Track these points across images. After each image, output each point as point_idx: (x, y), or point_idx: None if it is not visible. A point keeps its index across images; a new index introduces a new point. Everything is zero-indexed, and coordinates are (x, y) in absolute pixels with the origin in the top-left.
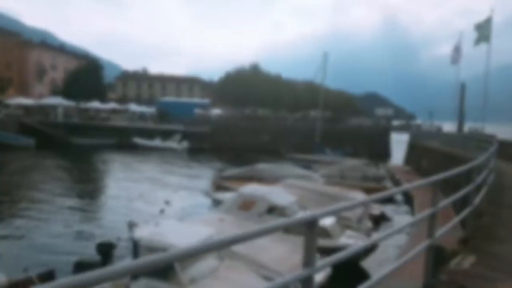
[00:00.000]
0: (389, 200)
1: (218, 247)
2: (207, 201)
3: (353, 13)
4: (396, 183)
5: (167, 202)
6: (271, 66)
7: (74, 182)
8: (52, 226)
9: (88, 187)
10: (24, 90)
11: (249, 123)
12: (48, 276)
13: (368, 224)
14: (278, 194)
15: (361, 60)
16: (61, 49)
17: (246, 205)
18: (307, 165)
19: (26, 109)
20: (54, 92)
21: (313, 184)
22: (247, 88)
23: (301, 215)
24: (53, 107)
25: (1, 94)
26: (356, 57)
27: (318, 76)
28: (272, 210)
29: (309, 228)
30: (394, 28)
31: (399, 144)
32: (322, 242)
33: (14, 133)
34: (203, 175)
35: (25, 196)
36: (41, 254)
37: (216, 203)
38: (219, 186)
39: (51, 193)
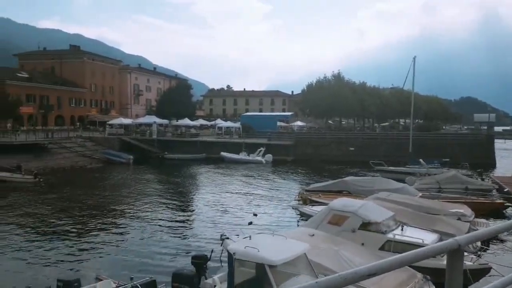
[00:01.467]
0: (498, 214)
1: (355, 279)
2: (293, 214)
3: (444, 13)
4: (508, 196)
5: (255, 215)
6: (355, 74)
7: (168, 194)
8: (150, 235)
9: (180, 199)
10: (123, 111)
11: (333, 134)
12: (151, 285)
13: (477, 242)
14: (372, 209)
15: (454, 63)
16: (154, 72)
17: (336, 219)
18: (400, 177)
19: (125, 127)
20: (149, 111)
21: (408, 198)
22: (330, 98)
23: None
24: (148, 125)
25: (106, 115)
26: (448, 60)
27: (406, 82)
28: (366, 226)
29: (452, 255)
30: (493, 26)
31: (504, 152)
32: (426, 262)
33: (116, 150)
34: (288, 188)
35: (125, 207)
36: (140, 263)
37: (304, 216)
38: (305, 199)
39: (148, 204)
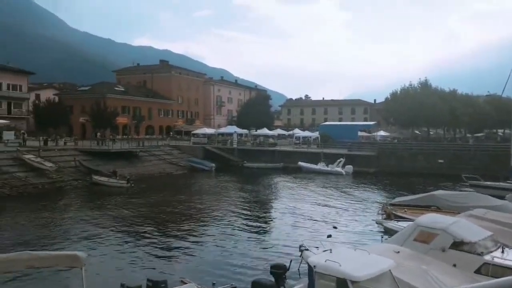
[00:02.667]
0: None
1: None
2: (376, 229)
3: None
4: None
5: (334, 227)
6: (444, 81)
7: (247, 202)
8: (230, 242)
9: (259, 207)
10: (207, 121)
11: (420, 145)
12: None
13: None
14: (465, 227)
15: None
16: (235, 84)
17: (424, 237)
18: (498, 193)
19: (208, 137)
20: (230, 121)
21: (510, 217)
22: (416, 107)
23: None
24: (229, 135)
25: (191, 125)
26: None
27: (506, 89)
28: (458, 245)
29: None
30: None
31: None
32: None
33: (200, 158)
34: (370, 201)
35: (207, 212)
36: (220, 268)
37: (388, 232)
38: (389, 214)
39: (229, 211)
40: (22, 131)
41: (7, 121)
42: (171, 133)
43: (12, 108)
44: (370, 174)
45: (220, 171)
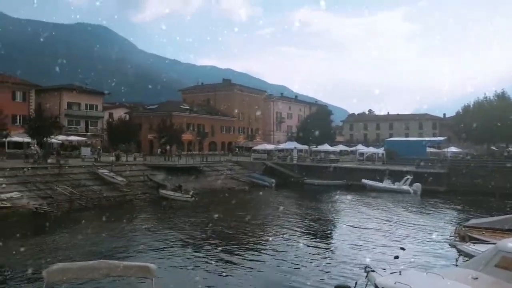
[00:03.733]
0: None
1: None
2: (447, 251)
3: None
4: None
5: (402, 249)
6: None
7: (308, 219)
8: (292, 259)
9: (320, 224)
10: (267, 137)
11: (497, 162)
12: None
13: None
14: None
15: None
16: (295, 100)
17: (507, 263)
18: None
19: (268, 153)
20: (290, 137)
21: None
22: (492, 121)
23: None
24: (289, 151)
25: (251, 141)
26: None
27: None
28: None
29: None
30: None
31: None
32: None
33: (260, 174)
34: (440, 221)
35: (268, 228)
36: (283, 286)
37: (463, 256)
38: (464, 236)
39: (290, 228)
40: (98, 147)
41: (85, 138)
42: (237, 149)
43: (89, 126)
44: (441, 193)
45: (280, 187)
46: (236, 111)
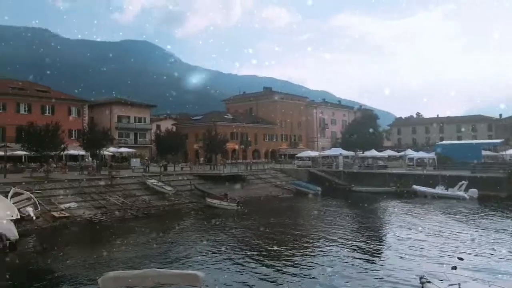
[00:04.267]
0: None
1: None
2: (510, 262)
3: None
4: None
5: (460, 259)
6: None
7: (356, 228)
8: (341, 269)
9: (369, 233)
10: (310, 144)
11: None
12: None
13: None
14: None
15: None
16: (339, 105)
17: None
18: None
19: (313, 160)
20: (334, 143)
21: None
22: None
23: None
24: (334, 157)
25: (295, 148)
26: None
27: None
28: None
29: None
30: None
31: None
32: None
33: (305, 181)
34: (501, 230)
35: (314, 236)
36: None
37: None
38: None
39: (337, 236)
40: (146, 158)
41: (134, 150)
42: (283, 156)
43: (138, 138)
44: (501, 198)
45: (326, 195)
46: (278, 118)
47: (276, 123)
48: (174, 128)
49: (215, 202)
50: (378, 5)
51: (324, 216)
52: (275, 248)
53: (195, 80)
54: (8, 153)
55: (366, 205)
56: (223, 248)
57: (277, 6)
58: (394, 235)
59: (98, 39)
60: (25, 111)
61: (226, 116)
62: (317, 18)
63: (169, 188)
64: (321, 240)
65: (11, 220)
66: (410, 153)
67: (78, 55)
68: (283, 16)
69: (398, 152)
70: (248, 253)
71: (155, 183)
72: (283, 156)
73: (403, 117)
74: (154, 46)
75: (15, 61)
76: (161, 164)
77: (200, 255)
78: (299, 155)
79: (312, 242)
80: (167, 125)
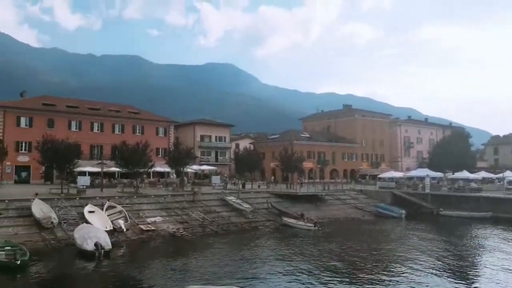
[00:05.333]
0: None
1: None
2: None
3: None
4: None
5: None
6: None
7: (445, 257)
8: None
9: (461, 264)
10: (393, 164)
11: None
12: None
13: None
14: None
15: None
16: (425, 123)
17: None
18: None
19: (396, 181)
20: (421, 164)
21: None
22: None
23: None
24: (420, 179)
25: (376, 169)
26: None
27: None
28: None
29: None
30: None
31: None
32: None
33: (388, 204)
34: None
35: (397, 264)
36: None
37: None
38: None
39: (423, 266)
40: (225, 175)
41: (215, 168)
42: (368, 177)
43: (218, 156)
44: None
45: (411, 219)
46: (358, 137)
47: (356, 142)
48: (252, 147)
49: (292, 221)
50: (472, 15)
51: (410, 242)
52: (353, 273)
53: (272, 99)
54: (104, 169)
55: (456, 231)
56: (299, 269)
57: (358, 22)
58: (492, 267)
59: (184, 63)
60: (119, 131)
61: (302, 135)
62: (402, 32)
63: (247, 206)
64: (404, 269)
65: (106, 231)
66: (510, 175)
67: (166, 78)
68: (364, 31)
69: (495, 174)
70: (326, 276)
71: (234, 200)
72: (367, 177)
73: (501, 135)
74: (235, 68)
75: (113, 86)
76: (239, 182)
77: (276, 274)
78: (381, 175)
79: (395, 271)
80: (245, 143)
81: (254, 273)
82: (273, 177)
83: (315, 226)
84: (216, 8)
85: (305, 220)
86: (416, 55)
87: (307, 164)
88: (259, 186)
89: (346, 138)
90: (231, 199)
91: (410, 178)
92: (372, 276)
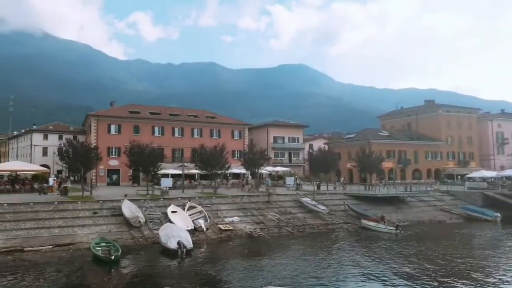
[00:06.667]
0: None
1: None
2: None
3: None
4: None
5: None
6: None
7: None
8: None
9: None
10: (484, 162)
11: None
12: None
13: None
14: None
15: None
16: None
17: None
18: None
19: (488, 181)
20: None
21: None
22: None
23: None
24: None
25: (464, 168)
26: None
27: None
28: None
29: None
30: None
31: None
32: None
33: (478, 206)
34: None
35: (492, 276)
36: None
37: None
38: None
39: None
40: (296, 177)
41: (289, 169)
42: (459, 177)
43: (292, 157)
44: None
45: (507, 222)
46: (443, 134)
47: (440, 139)
48: (327, 147)
49: (371, 224)
50: None
51: (504, 249)
52: (446, 283)
53: (347, 98)
54: (185, 171)
55: None
56: (379, 275)
57: (440, 11)
58: None
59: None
60: (197, 135)
61: (381, 133)
62: (488, 18)
63: (323, 207)
64: (500, 280)
65: (187, 230)
66: None
67: (240, 82)
68: (449, 20)
69: None
70: (411, 284)
71: (309, 202)
72: (459, 177)
73: None
74: (308, 68)
75: (190, 92)
76: (314, 183)
77: (354, 280)
78: (470, 175)
79: (487, 282)
80: (319, 144)
81: (331, 277)
82: (342, 178)
83: (396, 229)
84: (288, 9)
85: (386, 223)
86: (507, 42)
87: (387, 164)
88: (334, 188)
89: (429, 136)
90: (307, 200)
91: (505, 178)
92: (463, 286)
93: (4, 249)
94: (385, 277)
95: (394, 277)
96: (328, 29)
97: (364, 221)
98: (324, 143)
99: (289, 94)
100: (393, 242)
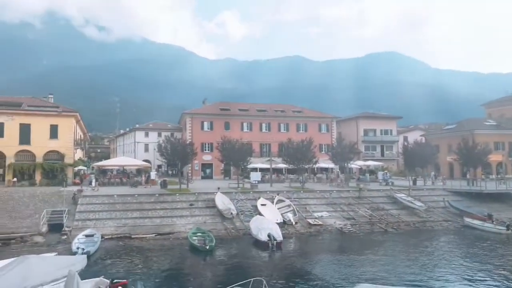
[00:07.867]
0: None
1: None
2: None
3: None
4: None
5: None
6: None
7: None
8: None
9: None
10: None
11: None
12: None
13: None
14: None
15: None
16: None
17: None
18: None
19: None
20: None
21: None
22: None
23: None
24: None
25: None
26: None
27: None
28: None
29: None
30: None
31: None
32: None
33: None
34: None
35: None
36: None
37: None
38: None
39: None
40: (385, 172)
41: (381, 163)
42: None
43: (384, 150)
44: None
45: None
46: None
47: None
48: (424, 139)
49: (476, 222)
50: None
51: None
52: None
53: (446, 85)
54: (273, 165)
55: None
56: (483, 282)
57: None
58: None
59: (343, 57)
60: (284, 129)
61: (487, 123)
62: None
63: (420, 204)
64: None
65: (277, 223)
66: None
67: (326, 74)
68: None
69: None
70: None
71: (404, 198)
72: None
73: None
74: (400, 55)
75: (277, 87)
76: (409, 178)
77: (454, 283)
78: None
79: None
80: (415, 136)
81: (428, 279)
82: (433, 173)
83: (508, 230)
84: None
85: (494, 223)
86: None
87: (495, 157)
88: (432, 183)
89: None
90: (401, 196)
91: None
92: None
93: (115, 235)
94: (490, 285)
95: (501, 282)
96: (419, 11)
97: (467, 219)
98: (420, 135)
99: (380, 84)
100: (503, 244)
